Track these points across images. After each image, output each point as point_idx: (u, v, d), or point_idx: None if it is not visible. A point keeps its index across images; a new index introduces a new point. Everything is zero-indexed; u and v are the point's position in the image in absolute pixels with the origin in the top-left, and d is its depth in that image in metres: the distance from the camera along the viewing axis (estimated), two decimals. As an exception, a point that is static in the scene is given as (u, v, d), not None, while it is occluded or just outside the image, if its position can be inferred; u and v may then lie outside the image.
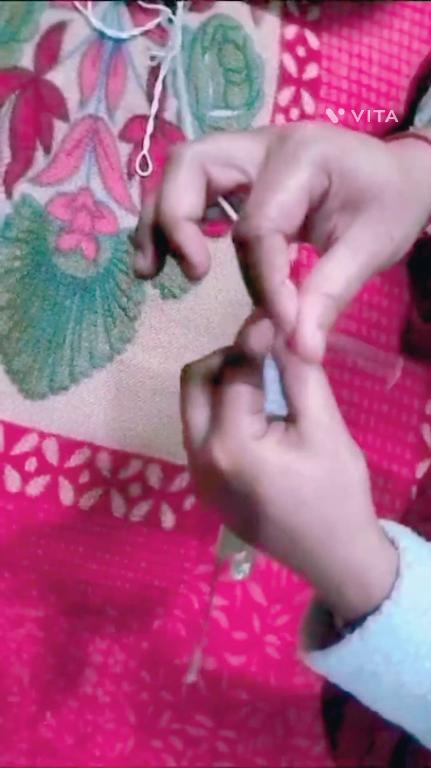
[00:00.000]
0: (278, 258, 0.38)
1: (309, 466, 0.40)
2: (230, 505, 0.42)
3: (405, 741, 0.66)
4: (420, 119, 0.55)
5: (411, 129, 0.54)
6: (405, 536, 0.44)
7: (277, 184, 0.39)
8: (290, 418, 0.41)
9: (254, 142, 0.41)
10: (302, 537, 0.41)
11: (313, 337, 0.39)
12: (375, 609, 0.41)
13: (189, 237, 0.40)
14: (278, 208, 0.38)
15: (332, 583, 0.42)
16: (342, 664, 0.43)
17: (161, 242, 0.41)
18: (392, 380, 0.74)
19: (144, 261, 0.42)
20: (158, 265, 0.42)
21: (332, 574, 0.42)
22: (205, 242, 0.40)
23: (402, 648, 0.41)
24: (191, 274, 0.40)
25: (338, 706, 0.76)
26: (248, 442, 0.40)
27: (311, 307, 0.39)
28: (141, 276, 0.42)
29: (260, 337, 0.40)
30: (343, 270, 0.40)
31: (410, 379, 0.80)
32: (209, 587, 0.73)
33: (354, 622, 0.42)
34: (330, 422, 0.41)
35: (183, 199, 0.40)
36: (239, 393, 0.41)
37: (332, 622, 0.46)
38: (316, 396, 0.41)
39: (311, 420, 0.41)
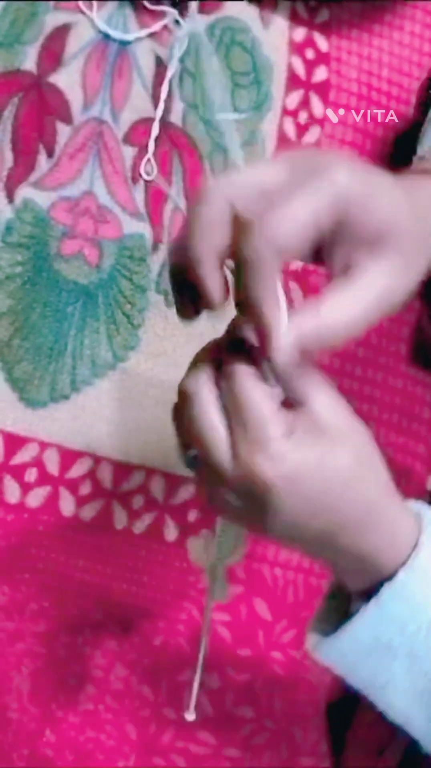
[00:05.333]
0: (272, 277, 0.39)
1: (339, 452, 0.40)
2: (262, 515, 0.41)
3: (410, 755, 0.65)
4: (421, 148, 0.55)
5: (415, 158, 0.55)
6: (429, 510, 0.45)
7: (288, 208, 0.39)
8: (295, 405, 0.41)
9: (279, 168, 0.41)
10: (344, 524, 0.41)
11: (284, 348, 0.40)
12: (391, 578, 0.42)
13: (207, 273, 0.40)
14: (280, 232, 0.39)
15: (365, 552, 0.43)
16: (356, 641, 0.43)
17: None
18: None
19: (181, 302, 0.43)
20: (197, 307, 0.43)
21: (367, 545, 0.42)
22: (224, 276, 0.41)
23: (416, 618, 0.42)
24: (207, 306, 0.42)
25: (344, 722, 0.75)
26: (285, 445, 0.39)
27: (298, 328, 0.40)
28: (185, 318, 0.43)
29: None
30: (350, 304, 0.40)
31: (421, 387, 0.79)
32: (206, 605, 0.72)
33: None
34: (337, 401, 0.41)
35: (205, 235, 0.40)
36: (261, 392, 0.40)
37: (346, 611, 0.46)
38: (318, 380, 0.41)
39: (322, 405, 0.41)
